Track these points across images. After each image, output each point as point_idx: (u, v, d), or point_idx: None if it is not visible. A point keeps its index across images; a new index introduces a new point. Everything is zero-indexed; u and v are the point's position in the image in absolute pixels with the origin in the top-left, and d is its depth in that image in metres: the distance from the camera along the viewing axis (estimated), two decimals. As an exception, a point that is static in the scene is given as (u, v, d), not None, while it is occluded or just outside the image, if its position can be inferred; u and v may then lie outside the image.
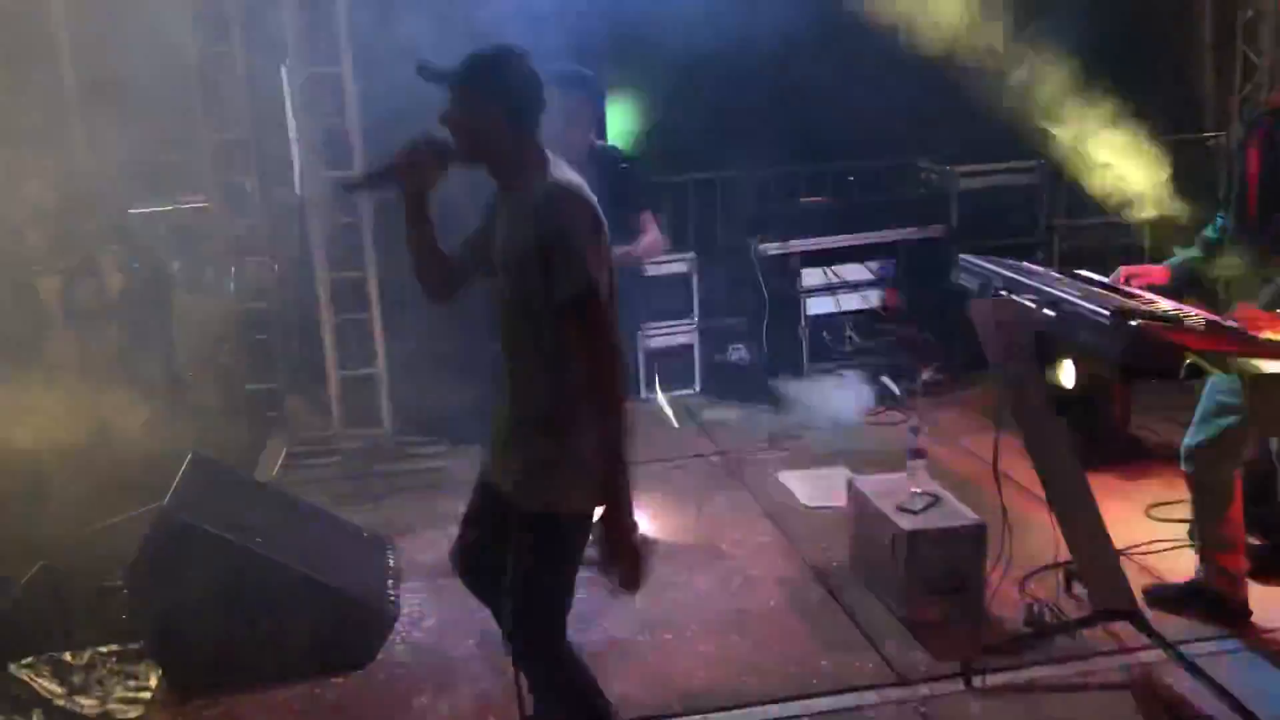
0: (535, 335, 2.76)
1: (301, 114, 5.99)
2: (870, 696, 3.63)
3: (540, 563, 2.82)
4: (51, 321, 6.55)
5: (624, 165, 4.51)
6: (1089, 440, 4.81)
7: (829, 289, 6.78)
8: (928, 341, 6.68)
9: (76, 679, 3.93)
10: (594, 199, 2.77)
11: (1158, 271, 3.91)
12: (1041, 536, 3.87)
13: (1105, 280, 3.64)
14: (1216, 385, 3.78)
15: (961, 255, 3.93)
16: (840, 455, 5.59)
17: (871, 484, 4.37)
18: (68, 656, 4.02)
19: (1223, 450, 3.75)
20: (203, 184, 6.63)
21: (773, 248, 6.71)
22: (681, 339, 6.76)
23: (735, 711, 3.61)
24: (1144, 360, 3.02)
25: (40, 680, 3.90)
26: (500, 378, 2.90)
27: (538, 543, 2.81)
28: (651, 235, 4.49)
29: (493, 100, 2.73)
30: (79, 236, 6.95)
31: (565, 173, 2.79)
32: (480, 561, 3.07)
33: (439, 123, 2.80)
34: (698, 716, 3.59)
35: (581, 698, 2.99)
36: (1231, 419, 3.68)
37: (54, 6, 6.67)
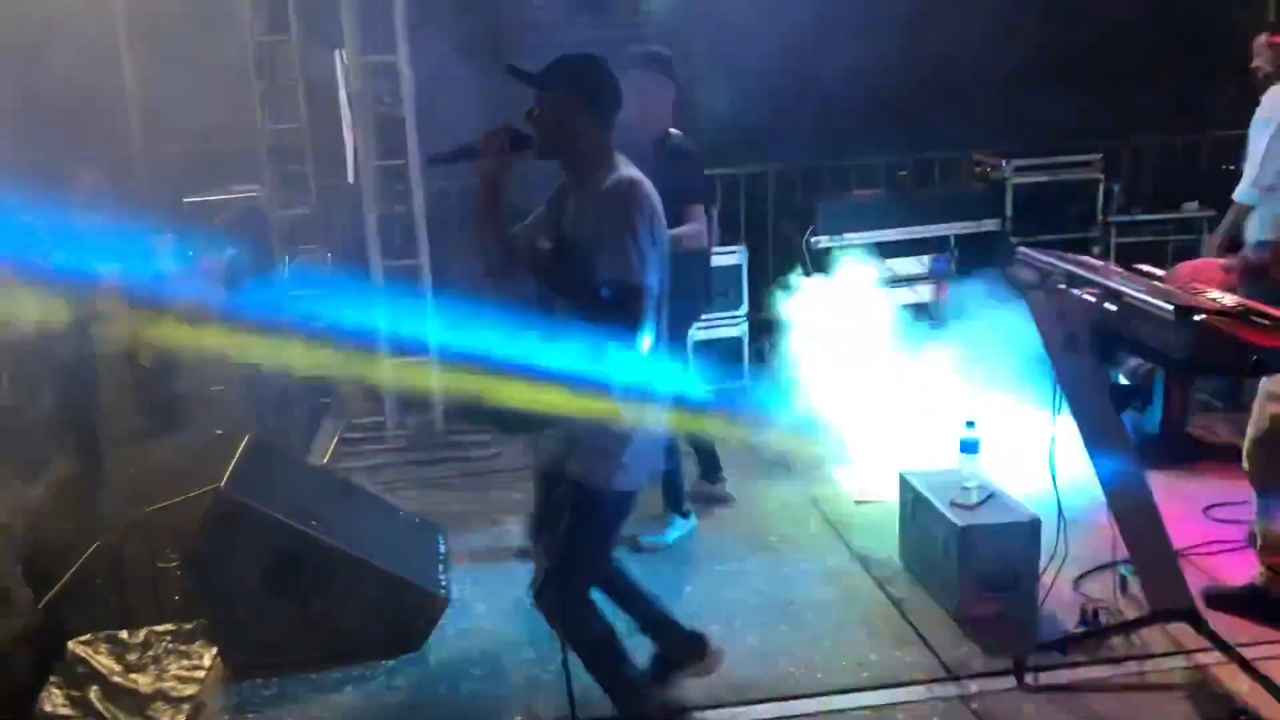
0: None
1: (356, 102, 6.03)
2: (919, 691, 3.61)
3: (583, 531, 3.09)
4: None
5: (685, 157, 4.51)
6: (1147, 437, 4.75)
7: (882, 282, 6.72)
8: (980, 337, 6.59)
9: (133, 657, 4.00)
10: (655, 195, 3.03)
11: (1212, 269, 3.83)
12: (1098, 534, 3.81)
13: (1161, 274, 3.57)
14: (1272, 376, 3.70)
15: (1019, 248, 3.88)
16: (889, 447, 5.54)
17: (923, 478, 4.33)
18: (124, 635, 4.09)
19: (1277, 441, 3.67)
20: (258, 174, 6.71)
21: (824, 241, 6.67)
22: (731, 331, 6.72)
23: (783, 703, 3.60)
24: (1208, 356, 2.98)
25: (98, 657, 3.98)
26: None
27: (583, 513, 3.08)
28: (695, 226, 4.51)
29: (576, 102, 3.02)
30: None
31: (630, 170, 3.06)
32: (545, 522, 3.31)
33: (524, 116, 3.06)
34: (746, 707, 3.59)
35: (606, 654, 3.24)
36: None
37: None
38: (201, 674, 3.90)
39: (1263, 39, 5.15)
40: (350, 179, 6.88)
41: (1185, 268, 3.74)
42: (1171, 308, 3.00)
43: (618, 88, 3.10)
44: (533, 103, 3.05)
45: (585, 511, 3.09)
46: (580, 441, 3.11)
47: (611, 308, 2.93)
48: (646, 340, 3.02)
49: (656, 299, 3.03)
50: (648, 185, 3.05)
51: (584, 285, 2.97)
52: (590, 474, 3.08)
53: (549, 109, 3.04)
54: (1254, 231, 4.67)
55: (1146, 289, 3.25)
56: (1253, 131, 4.98)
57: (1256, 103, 5.02)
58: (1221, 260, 4.61)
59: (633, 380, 3.03)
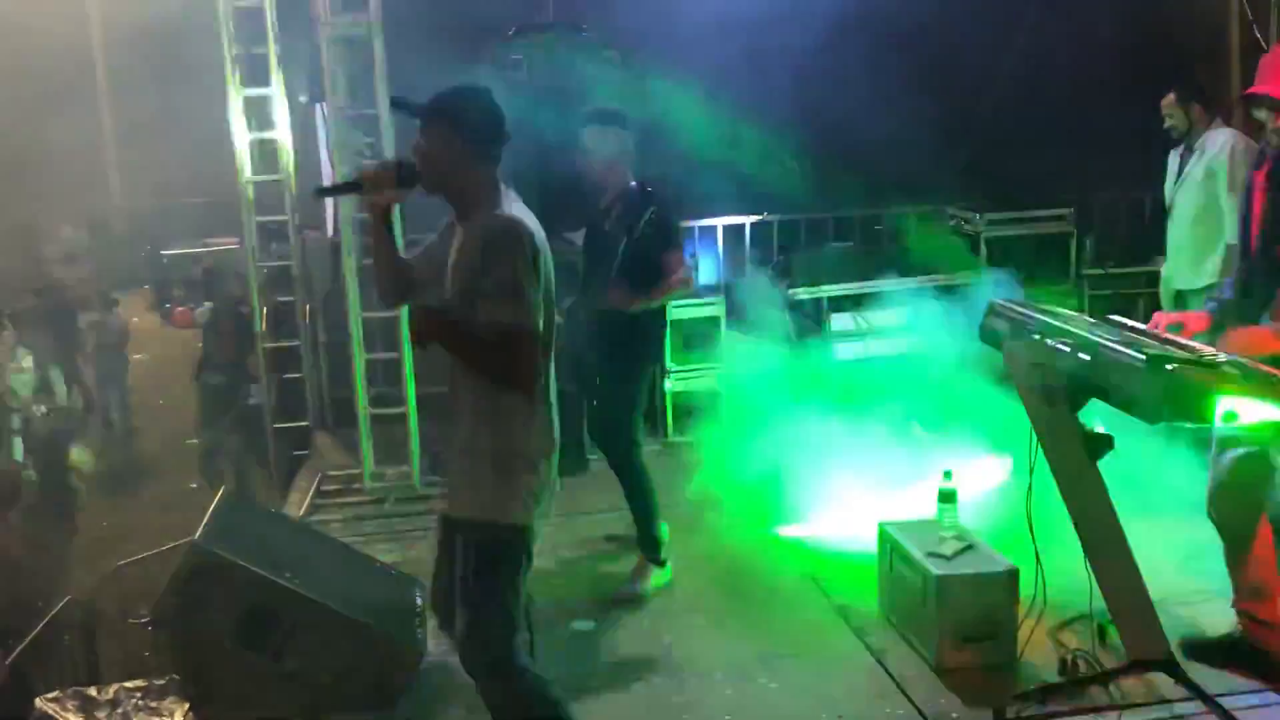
0: None
1: (337, 155, 6.06)
2: (900, 743, 3.59)
3: (480, 570, 2.93)
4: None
5: (654, 210, 4.54)
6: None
7: (859, 334, 6.78)
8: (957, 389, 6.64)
9: (101, 714, 3.93)
10: (536, 231, 2.93)
11: (1196, 318, 3.86)
12: (1076, 584, 3.82)
13: (1140, 326, 3.62)
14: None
15: (992, 299, 3.93)
16: (869, 497, 5.54)
17: (902, 528, 4.33)
18: (93, 691, 4.02)
19: (1238, 487, 3.69)
20: (235, 225, 6.72)
21: (802, 292, 6.73)
22: (708, 382, 6.74)
23: (763, 756, 3.57)
24: (1179, 405, 3.01)
25: (66, 715, 3.91)
26: (449, 401, 3.07)
27: (476, 551, 2.94)
28: (681, 270, 4.60)
29: (453, 134, 2.93)
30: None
31: (513, 206, 2.96)
32: (449, 604, 3.07)
33: (409, 152, 3.02)
34: (725, 760, 3.55)
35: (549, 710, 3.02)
36: (1238, 451, 3.63)
37: (95, 52, 6.83)
38: (172, 730, 3.83)
39: (1170, 99, 5.36)
40: (330, 231, 6.91)
41: (1239, 336, 3.62)
42: (1144, 357, 3.04)
43: (501, 119, 2.97)
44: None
45: (482, 550, 2.93)
46: (466, 475, 2.99)
47: (497, 353, 2.85)
48: (533, 387, 2.93)
49: (544, 343, 2.94)
50: (531, 223, 2.93)
51: (467, 331, 2.89)
52: (476, 508, 2.95)
53: (430, 142, 2.96)
54: None
55: (1119, 339, 3.29)
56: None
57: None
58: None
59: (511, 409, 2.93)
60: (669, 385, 6.57)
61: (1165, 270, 5.93)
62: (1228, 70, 7.53)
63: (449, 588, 3.06)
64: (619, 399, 4.68)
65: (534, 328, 2.87)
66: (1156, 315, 3.86)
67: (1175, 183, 5.67)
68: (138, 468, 9.11)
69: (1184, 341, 3.37)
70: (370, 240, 3.15)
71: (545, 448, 3.03)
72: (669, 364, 6.45)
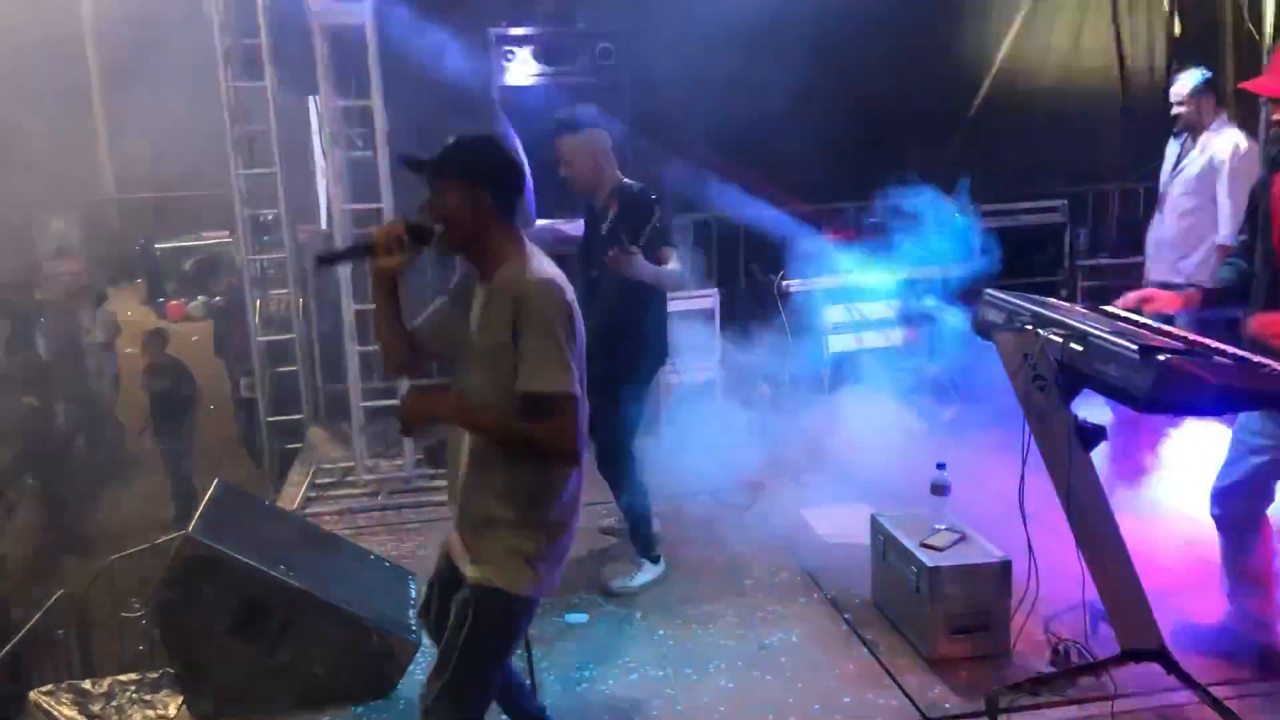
0: None
1: (330, 147, 6.05)
2: (894, 734, 3.60)
3: (477, 633, 2.79)
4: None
5: (642, 203, 4.45)
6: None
7: (852, 326, 6.78)
8: (951, 380, 6.66)
9: (96, 707, 3.93)
10: (568, 289, 2.76)
11: (1166, 297, 3.86)
12: (1068, 574, 3.82)
13: (1132, 316, 3.62)
14: (1244, 424, 3.75)
15: (987, 289, 3.93)
16: (863, 490, 5.56)
17: (895, 520, 4.34)
18: (88, 684, 4.02)
19: (1253, 490, 3.71)
20: (229, 219, 6.72)
21: (796, 284, 6.73)
22: (705, 376, 6.74)
23: (757, 748, 3.57)
24: (1172, 396, 3.02)
25: (60, 708, 3.91)
26: (459, 457, 2.88)
27: (476, 614, 2.79)
28: (673, 267, 4.48)
29: (473, 190, 2.74)
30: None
31: (544, 265, 2.78)
32: (439, 625, 2.98)
33: (418, 210, 2.81)
34: (719, 752, 3.56)
35: None
36: (1262, 459, 3.65)
37: (87, 45, 6.81)
38: (166, 723, 3.84)
39: (1183, 88, 5.35)
40: (324, 224, 6.91)
41: (1261, 324, 3.58)
42: (1136, 347, 3.04)
43: (520, 169, 2.82)
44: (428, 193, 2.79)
45: (490, 617, 2.79)
46: (486, 539, 2.82)
47: (544, 421, 2.66)
48: (579, 456, 2.77)
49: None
50: (562, 280, 2.76)
51: (505, 389, 2.68)
52: (491, 575, 2.79)
53: (446, 199, 2.76)
54: None
55: (1112, 329, 3.30)
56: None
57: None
58: None
59: (544, 480, 2.78)
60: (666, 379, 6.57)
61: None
62: (1222, 62, 7.55)
63: (438, 621, 2.97)
64: (621, 425, 4.56)
65: (577, 392, 2.70)
66: (1129, 293, 3.86)
67: (1172, 171, 5.64)
68: (135, 462, 9.15)
69: (1176, 331, 3.38)
70: (377, 309, 2.87)
71: (573, 515, 2.89)
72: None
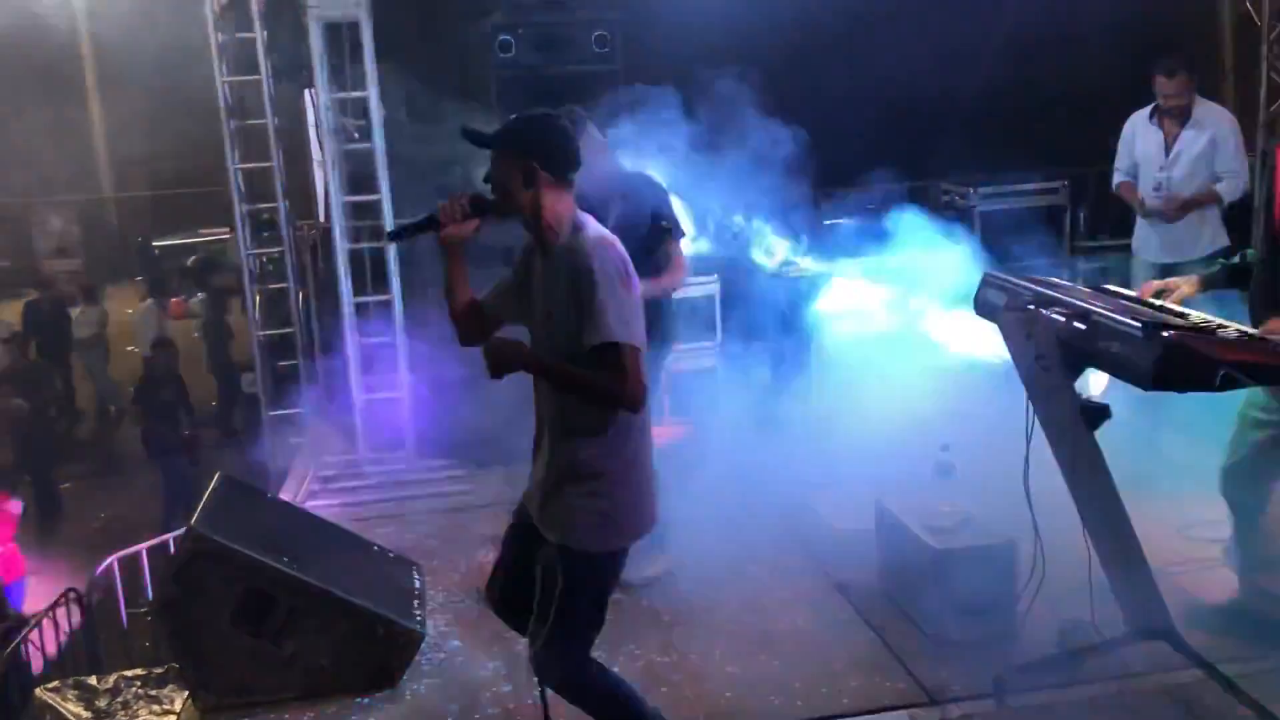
0: None
1: (327, 140, 6.03)
2: (901, 716, 3.59)
3: (575, 596, 2.97)
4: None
5: (641, 195, 4.44)
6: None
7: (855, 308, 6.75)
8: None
9: (102, 703, 3.92)
10: (623, 249, 2.95)
11: (1186, 281, 3.84)
12: (1074, 554, 3.82)
13: (1134, 294, 3.61)
14: (1250, 400, 3.73)
15: (987, 271, 3.91)
16: (868, 474, 5.54)
17: (900, 503, 4.32)
18: (93, 680, 4.01)
19: (1259, 467, 3.70)
20: (228, 215, 6.70)
21: (796, 268, 6.70)
22: (705, 361, 6.72)
23: (765, 731, 3.56)
24: (1177, 372, 3.00)
25: (66, 705, 3.90)
26: (540, 423, 3.07)
27: (574, 578, 2.97)
28: (677, 267, 4.50)
29: (531, 162, 2.92)
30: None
31: (598, 227, 3.00)
32: (516, 595, 3.18)
33: (482, 181, 3.00)
34: (726, 737, 3.55)
35: (621, 706, 3.12)
36: (1266, 433, 3.64)
37: (83, 43, 6.79)
38: (172, 719, 3.82)
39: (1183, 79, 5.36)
40: (322, 217, 6.89)
41: (1154, 286, 3.68)
42: (1140, 325, 3.03)
43: (574, 143, 3.01)
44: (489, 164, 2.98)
45: (579, 576, 2.97)
46: (568, 503, 2.98)
47: (610, 371, 2.82)
48: (645, 401, 2.92)
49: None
50: (615, 239, 2.97)
51: (573, 361, 2.86)
52: (579, 537, 2.97)
53: (504, 170, 2.95)
54: None
55: (1114, 307, 3.28)
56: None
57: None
58: None
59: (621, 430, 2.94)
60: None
61: (1135, 243, 5.84)
62: (1219, 45, 7.52)
63: (517, 591, 3.15)
64: None
65: (642, 343, 2.87)
66: (1145, 285, 3.84)
67: (1167, 159, 5.57)
68: (135, 458, 9.14)
69: (1179, 309, 3.37)
70: (447, 280, 3.07)
71: (645, 450, 3.05)
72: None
